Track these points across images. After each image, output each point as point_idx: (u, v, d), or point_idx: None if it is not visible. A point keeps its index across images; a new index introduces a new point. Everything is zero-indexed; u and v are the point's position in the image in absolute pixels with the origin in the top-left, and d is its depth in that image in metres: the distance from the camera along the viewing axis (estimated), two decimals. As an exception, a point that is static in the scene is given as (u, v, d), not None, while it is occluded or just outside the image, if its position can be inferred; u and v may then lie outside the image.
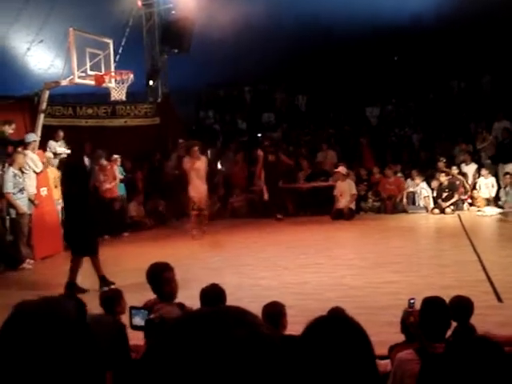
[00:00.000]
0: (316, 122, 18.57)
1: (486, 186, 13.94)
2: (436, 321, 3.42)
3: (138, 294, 4.82)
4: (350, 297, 6.54)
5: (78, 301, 1.36)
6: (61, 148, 12.55)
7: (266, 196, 14.14)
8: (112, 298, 4.59)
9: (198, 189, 11.72)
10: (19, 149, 10.55)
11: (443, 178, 13.94)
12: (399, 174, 14.82)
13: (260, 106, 20.24)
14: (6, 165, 10.34)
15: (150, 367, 0.92)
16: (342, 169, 14.10)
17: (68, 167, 9.11)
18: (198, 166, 11.68)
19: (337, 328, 1.63)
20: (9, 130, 10.88)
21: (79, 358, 1.16)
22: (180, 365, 0.88)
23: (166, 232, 13.23)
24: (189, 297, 4.53)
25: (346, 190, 13.82)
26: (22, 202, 10.13)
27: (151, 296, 4.23)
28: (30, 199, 10.30)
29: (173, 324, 0.95)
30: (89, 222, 8.06)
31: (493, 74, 18.26)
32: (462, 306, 4.10)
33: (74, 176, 8.26)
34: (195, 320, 0.94)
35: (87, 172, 8.49)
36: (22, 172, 10.26)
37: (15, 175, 10.08)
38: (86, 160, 8.29)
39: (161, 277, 4.16)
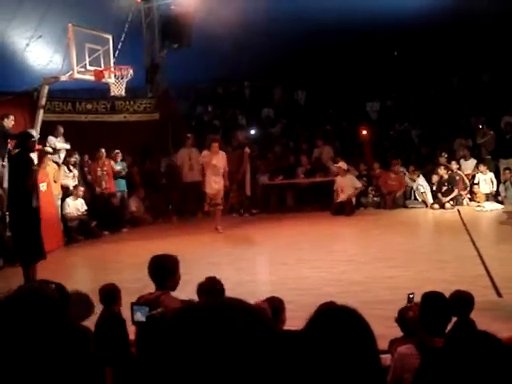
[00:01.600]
0: (315, 118, 18.54)
1: (485, 181, 13.94)
2: (436, 315, 3.42)
3: (138, 289, 4.82)
4: (350, 292, 6.55)
5: (57, 284, 1.40)
6: (60, 143, 12.55)
7: (248, 191, 14.26)
8: (110, 294, 4.60)
9: (211, 185, 11.72)
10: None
11: (443, 171, 13.94)
12: (400, 169, 14.82)
13: (259, 102, 20.20)
14: (6, 160, 10.31)
15: (157, 356, 0.95)
16: (342, 164, 14.11)
17: (10, 162, 8.51)
18: (215, 162, 11.65)
19: (341, 319, 1.64)
20: (8, 123, 10.85)
21: (60, 338, 1.18)
22: (186, 353, 0.91)
23: (166, 228, 13.23)
24: (190, 291, 4.53)
25: (347, 185, 13.82)
26: (21, 198, 10.10)
27: (151, 290, 4.22)
28: (29, 195, 10.28)
29: (178, 315, 0.98)
30: (31, 223, 7.63)
31: (492, 71, 18.27)
32: (463, 301, 4.10)
33: (15, 171, 7.80)
34: (200, 311, 0.98)
35: (30, 168, 7.90)
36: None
37: (14, 171, 10.06)
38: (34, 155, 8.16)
39: (175, 268, 4.10)
